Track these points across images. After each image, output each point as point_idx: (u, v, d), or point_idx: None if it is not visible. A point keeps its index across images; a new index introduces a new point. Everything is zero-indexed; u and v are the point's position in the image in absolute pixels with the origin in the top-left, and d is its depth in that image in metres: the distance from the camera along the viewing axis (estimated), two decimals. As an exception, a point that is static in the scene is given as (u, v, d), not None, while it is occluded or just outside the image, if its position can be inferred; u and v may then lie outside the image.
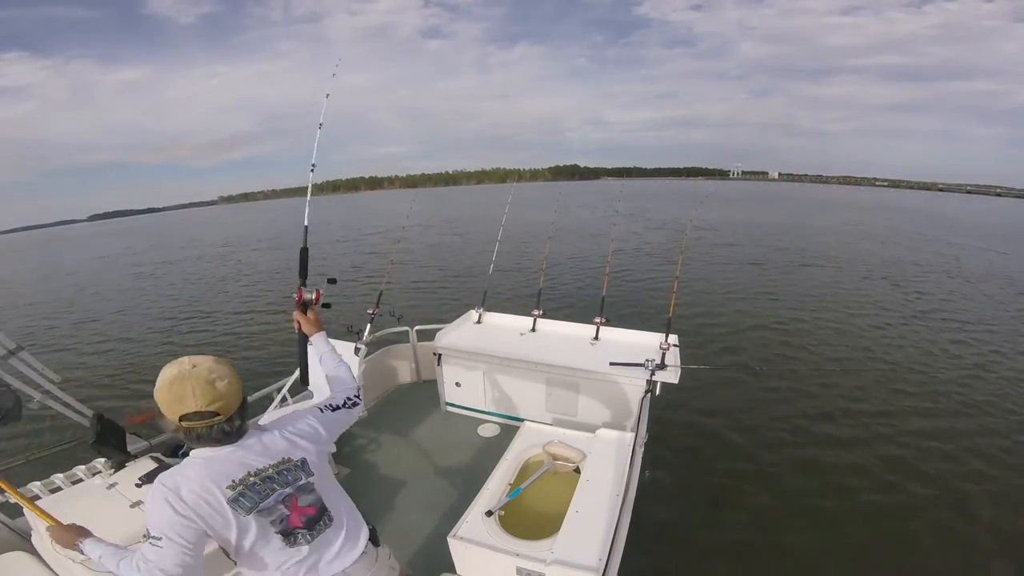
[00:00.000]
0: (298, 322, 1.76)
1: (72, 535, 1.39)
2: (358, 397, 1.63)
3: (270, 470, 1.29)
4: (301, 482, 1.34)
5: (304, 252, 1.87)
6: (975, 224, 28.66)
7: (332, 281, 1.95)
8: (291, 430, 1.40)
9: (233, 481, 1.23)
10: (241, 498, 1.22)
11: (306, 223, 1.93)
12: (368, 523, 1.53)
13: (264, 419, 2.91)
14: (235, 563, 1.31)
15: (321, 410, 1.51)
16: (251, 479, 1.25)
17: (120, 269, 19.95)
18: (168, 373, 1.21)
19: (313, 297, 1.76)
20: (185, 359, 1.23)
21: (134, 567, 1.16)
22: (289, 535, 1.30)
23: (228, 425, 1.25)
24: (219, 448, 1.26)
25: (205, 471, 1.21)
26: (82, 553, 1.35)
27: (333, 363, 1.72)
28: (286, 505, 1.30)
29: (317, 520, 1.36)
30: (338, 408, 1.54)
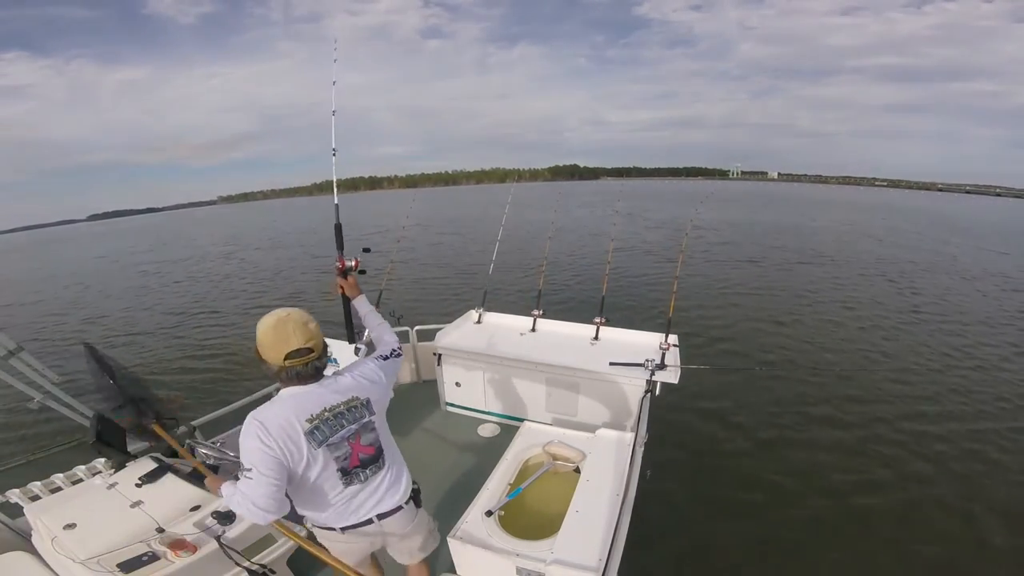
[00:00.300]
0: (341, 287, 1.96)
1: (218, 483, 1.54)
2: (400, 349, 1.80)
3: (341, 407, 1.47)
4: (365, 420, 1.52)
5: (338, 228, 2.11)
6: (974, 224, 28.71)
7: (367, 250, 2.10)
8: (358, 373, 1.59)
9: (311, 415, 1.40)
10: (315, 431, 1.40)
11: (336, 202, 2.20)
12: (414, 483, 1.71)
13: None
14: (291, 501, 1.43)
15: (376, 359, 1.69)
16: (325, 414, 1.43)
17: (125, 268, 20.07)
18: (268, 320, 1.41)
19: (353, 264, 1.96)
20: (278, 310, 1.44)
21: (236, 501, 1.34)
22: (348, 473, 1.48)
23: (319, 362, 1.45)
24: (306, 386, 1.44)
25: (290, 406, 1.39)
26: (221, 497, 1.50)
27: (376, 322, 1.91)
28: (350, 443, 1.47)
29: (373, 461, 1.54)
30: (388, 358, 1.72)
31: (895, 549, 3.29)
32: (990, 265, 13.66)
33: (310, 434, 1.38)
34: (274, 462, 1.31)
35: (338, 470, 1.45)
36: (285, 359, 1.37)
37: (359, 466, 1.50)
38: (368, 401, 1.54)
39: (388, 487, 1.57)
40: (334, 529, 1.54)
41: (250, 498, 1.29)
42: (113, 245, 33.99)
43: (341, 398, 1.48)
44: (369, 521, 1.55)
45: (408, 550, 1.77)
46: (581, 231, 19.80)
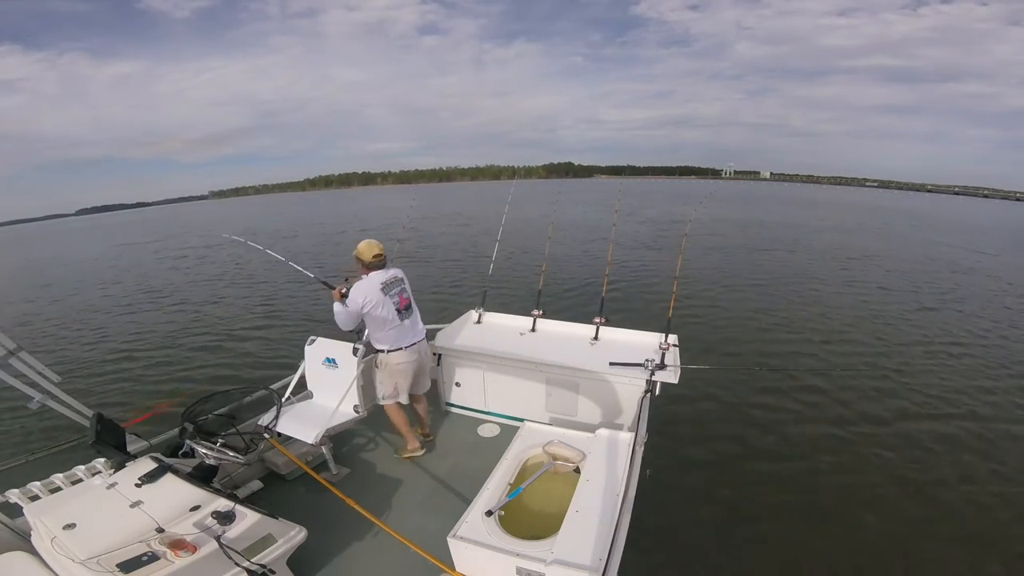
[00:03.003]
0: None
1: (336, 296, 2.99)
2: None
3: (392, 280, 3.02)
4: (403, 286, 3.08)
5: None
6: (966, 224, 29.18)
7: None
8: (395, 269, 3.11)
9: (383, 283, 2.95)
10: (384, 288, 2.94)
11: (287, 259, 3.56)
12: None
13: (265, 419, 2.89)
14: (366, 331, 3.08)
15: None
16: (388, 282, 2.98)
17: (151, 255, 20.42)
18: (362, 243, 2.99)
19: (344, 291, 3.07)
20: (366, 239, 3.02)
21: (336, 311, 2.97)
22: (399, 311, 3.01)
23: (384, 260, 3.00)
24: (379, 272, 2.97)
25: (375, 280, 2.93)
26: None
27: None
28: (399, 295, 3.03)
29: (408, 308, 3.09)
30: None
31: (901, 548, 3.33)
32: (986, 265, 13.83)
33: (382, 289, 2.92)
34: (364, 295, 2.85)
35: (395, 308, 2.97)
36: (372, 258, 2.94)
37: (403, 310, 3.02)
38: (403, 279, 3.10)
39: (419, 328, 3.18)
40: (401, 348, 3.02)
41: (340, 318, 2.95)
42: (117, 238, 33.70)
43: (392, 277, 3.02)
44: (414, 343, 3.09)
45: (421, 383, 3.27)
46: (580, 231, 19.76)
